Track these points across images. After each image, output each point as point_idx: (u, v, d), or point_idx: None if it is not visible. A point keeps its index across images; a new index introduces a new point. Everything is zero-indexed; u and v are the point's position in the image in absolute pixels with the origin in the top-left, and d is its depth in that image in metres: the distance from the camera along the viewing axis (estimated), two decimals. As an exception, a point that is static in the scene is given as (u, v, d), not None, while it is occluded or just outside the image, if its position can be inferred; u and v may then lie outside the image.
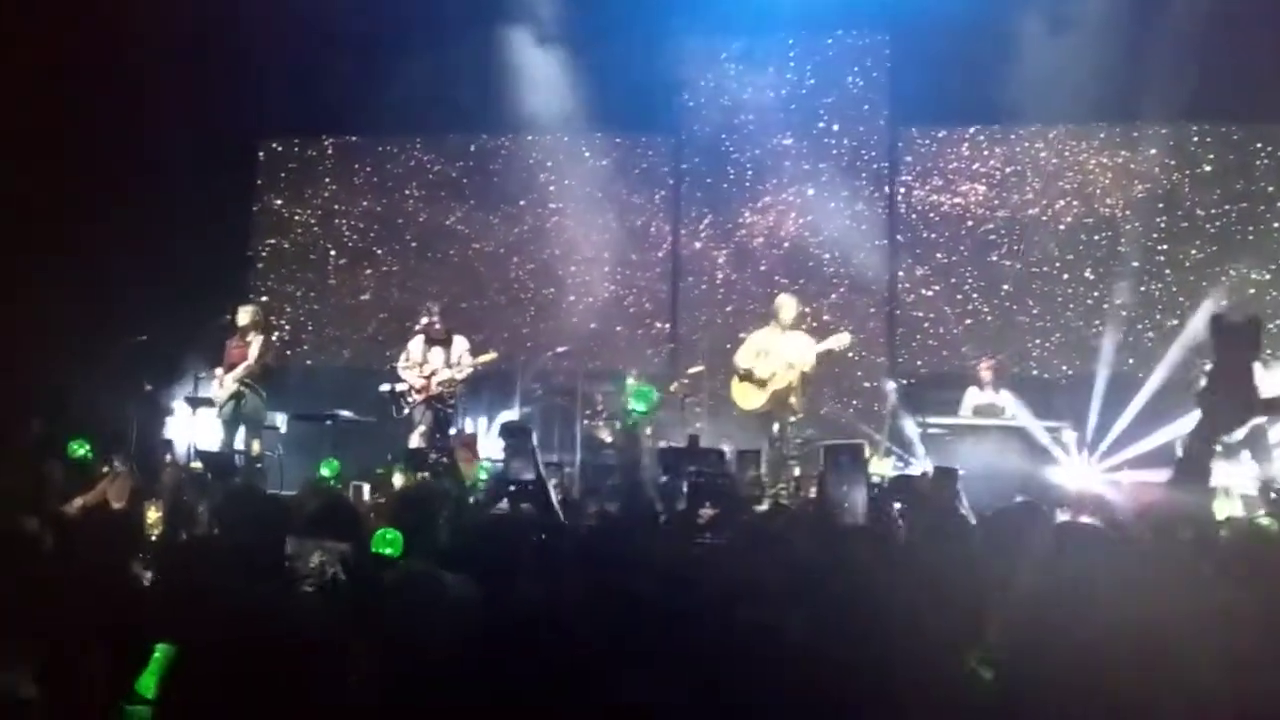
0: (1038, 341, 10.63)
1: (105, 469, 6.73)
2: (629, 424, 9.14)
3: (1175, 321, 10.39)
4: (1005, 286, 10.82)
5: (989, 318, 10.83)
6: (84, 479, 6.32)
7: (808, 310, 10.65)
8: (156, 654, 4.13)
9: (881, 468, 8.13)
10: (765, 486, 7.46)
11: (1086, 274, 10.71)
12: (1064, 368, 10.48)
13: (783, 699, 2.43)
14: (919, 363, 10.91)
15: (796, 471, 8.18)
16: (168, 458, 8.75)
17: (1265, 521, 5.93)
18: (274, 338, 11.52)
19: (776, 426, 8.44)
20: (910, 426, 8.49)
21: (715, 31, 11.18)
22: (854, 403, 10.44)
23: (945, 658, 2.94)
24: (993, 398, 9.13)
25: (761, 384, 8.44)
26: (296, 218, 11.95)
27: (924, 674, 2.68)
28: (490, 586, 3.79)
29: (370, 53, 10.55)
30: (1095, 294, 10.65)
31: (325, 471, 6.60)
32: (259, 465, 8.46)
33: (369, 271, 11.82)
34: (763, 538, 5.10)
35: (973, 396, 9.23)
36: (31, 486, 5.63)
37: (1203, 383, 2.58)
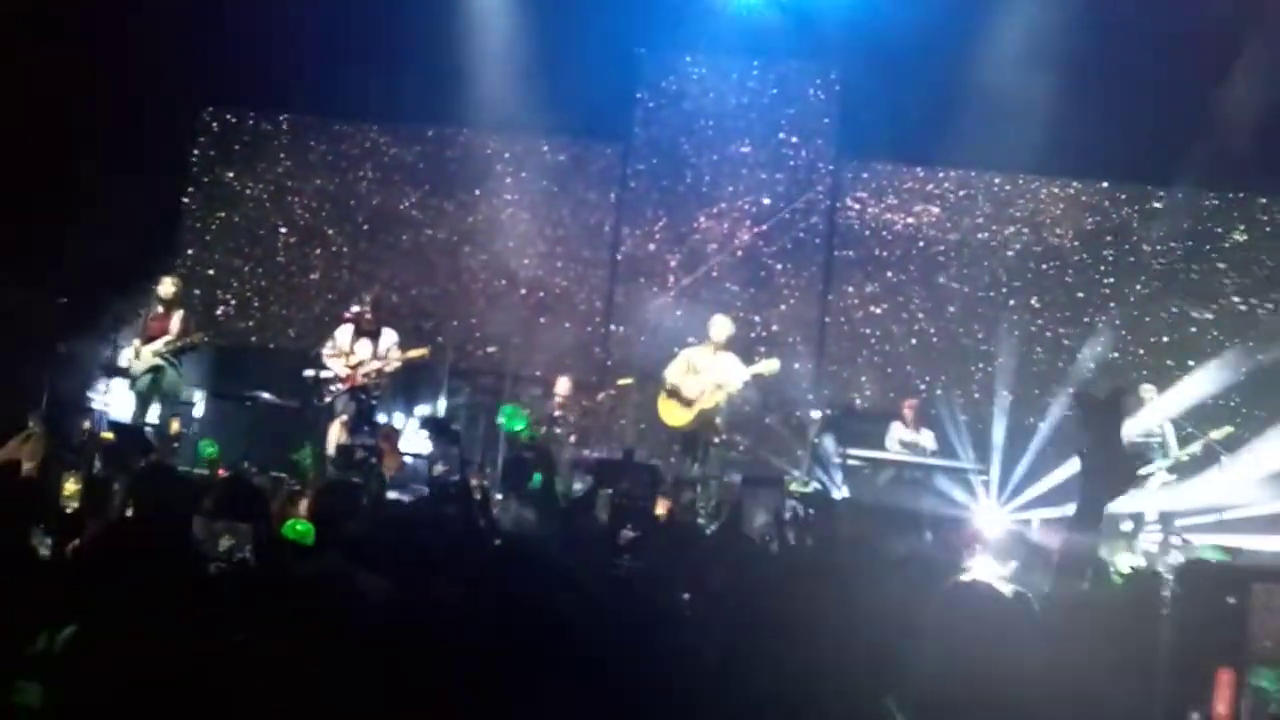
0: (979, 365, 10.66)
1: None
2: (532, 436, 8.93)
3: (1115, 355, 10.47)
4: (951, 309, 10.85)
5: (935, 339, 10.86)
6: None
7: (757, 318, 10.70)
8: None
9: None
10: (688, 508, 7.46)
11: (1032, 302, 10.76)
12: (1003, 392, 10.47)
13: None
14: (863, 378, 10.92)
15: (717, 494, 8.17)
16: (85, 425, 8.59)
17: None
18: (219, 312, 11.45)
19: (701, 447, 8.41)
20: (832, 456, 8.52)
21: (680, 45, 11.15)
22: (790, 419, 10.44)
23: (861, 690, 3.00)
24: (915, 435, 9.25)
25: (688, 403, 8.41)
26: (248, 192, 11.77)
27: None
28: (404, 586, 3.76)
29: (331, 32, 10.39)
30: (1039, 323, 10.72)
31: (209, 452, 6.51)
32: (176, 445, 8.30)
33: (319, 251, 11.67)
34: (681, 564, 5.09)
35: (897, 432, 9.33)
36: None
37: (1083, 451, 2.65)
